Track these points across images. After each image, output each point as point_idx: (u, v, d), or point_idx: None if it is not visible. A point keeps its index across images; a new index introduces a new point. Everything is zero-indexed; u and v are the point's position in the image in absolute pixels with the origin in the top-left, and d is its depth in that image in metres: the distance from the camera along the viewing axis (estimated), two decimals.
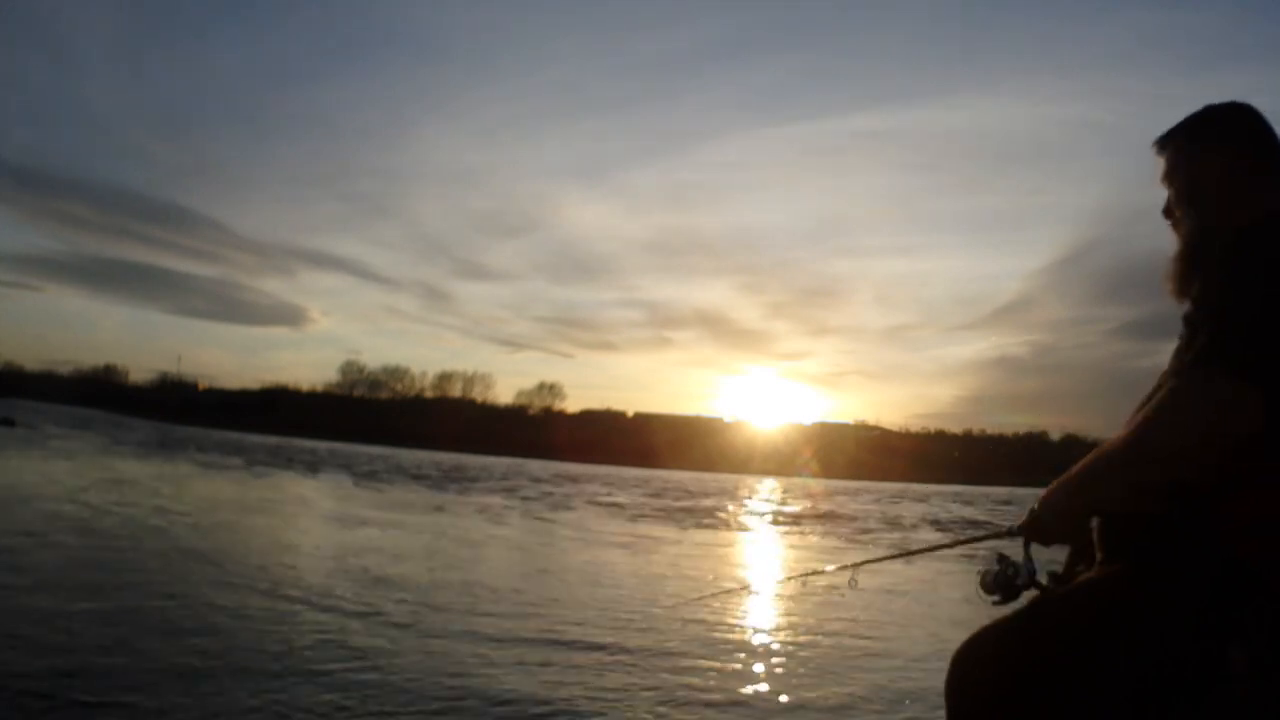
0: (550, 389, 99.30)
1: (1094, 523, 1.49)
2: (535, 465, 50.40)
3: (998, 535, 1.67)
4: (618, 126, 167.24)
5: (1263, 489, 1.27)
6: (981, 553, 1.79)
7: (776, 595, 8.64)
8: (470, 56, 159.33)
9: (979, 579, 1.62)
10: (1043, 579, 1.56)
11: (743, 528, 19.72)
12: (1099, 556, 1.47)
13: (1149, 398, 1.44)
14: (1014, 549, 1.62)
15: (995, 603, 1.59)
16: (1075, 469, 1.43)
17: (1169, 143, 1.55)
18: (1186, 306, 1.41)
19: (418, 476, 29.85)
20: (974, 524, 21.55)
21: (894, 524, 22.31)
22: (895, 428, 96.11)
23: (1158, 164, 1.57)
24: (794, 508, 27.71)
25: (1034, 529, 1.51)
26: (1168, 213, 1.55)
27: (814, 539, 17.54)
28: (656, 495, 29.30)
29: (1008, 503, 34.66)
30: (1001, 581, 1.59)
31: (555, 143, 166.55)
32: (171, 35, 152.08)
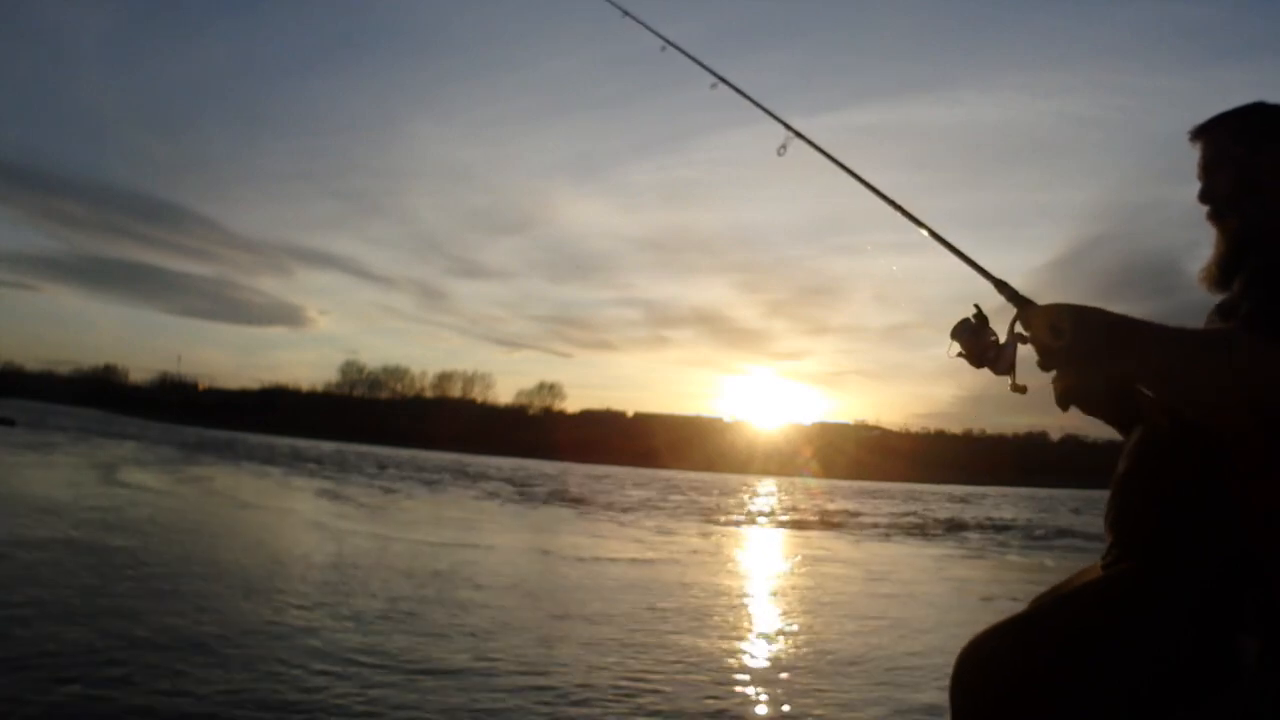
0: (550, 389, 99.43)
1: (1106, 520, 1.48)
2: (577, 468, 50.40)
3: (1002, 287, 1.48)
4: (614, 122, 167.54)
5: (1273, 480, 1.26)
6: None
7: None
8: (465, 52, 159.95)
9: (955, 327, 1.45)
10: (1016, 379, 1.40)
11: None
12: (1106, 557, 1.46)
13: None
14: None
15: (956, 354, 1.45)
16: (1132, 317, 1.29)
17: (1218, 129, 1.48)
18: (1221, 298, 1.37)
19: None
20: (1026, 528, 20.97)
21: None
22: (895, 428, 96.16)
23: (1199, 150, 1.50)
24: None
25: (1031, 311, 1.39)
26: (1209, 199, 1.48)
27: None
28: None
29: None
30: (969, 335, 1.44)
31: (551, 139, 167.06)
32: (166, 33, 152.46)
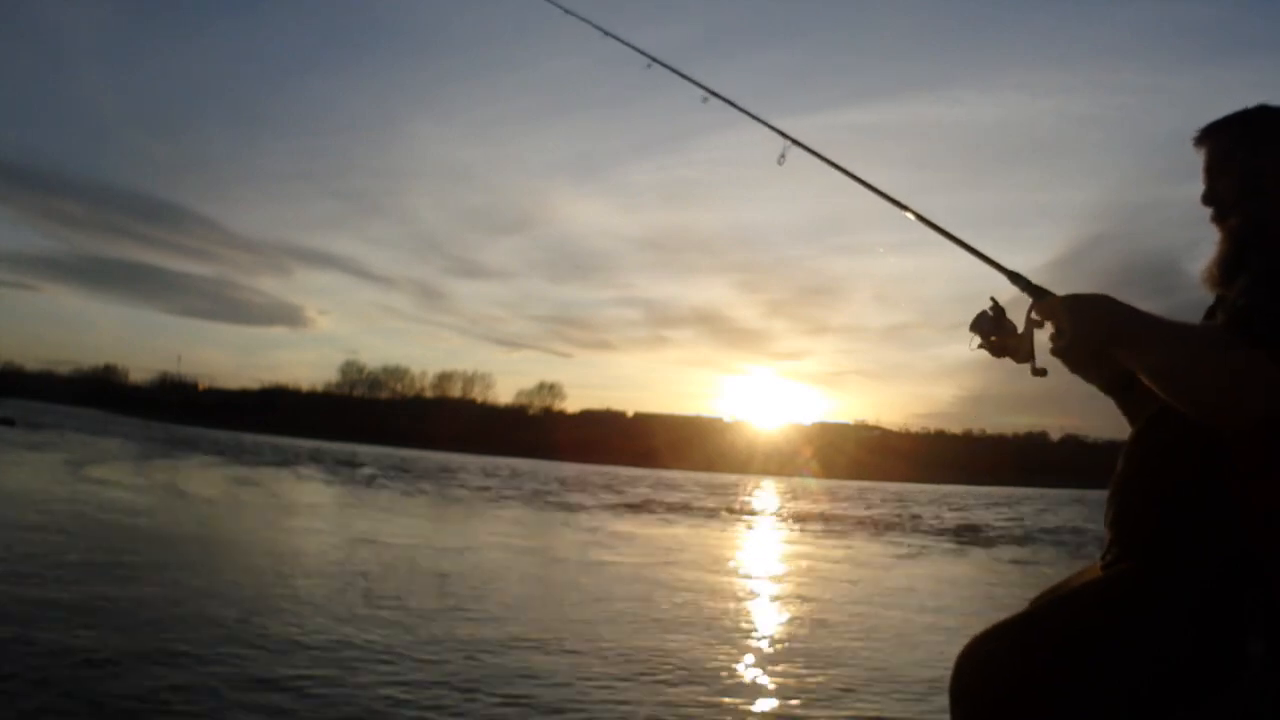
0: (550, 389, 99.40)
1: (1106, 520, 1.47)
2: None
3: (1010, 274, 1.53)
4: (614, 122, 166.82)
5: (1273, 480, 1.26)
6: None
7: None
8: (465, 52, 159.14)
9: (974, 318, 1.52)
10: (1036, 364, 1.45)
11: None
12: (1106, 556, 1.46)
13: None
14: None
15: (977, 346, 1.52)
16: (1138, 311, 1.31)
17: (1222, 133, 1.49)
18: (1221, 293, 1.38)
19: None
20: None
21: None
22: (895, 428, 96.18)
23: (1203, 154, 1.51)
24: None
25: (1048, 305, 1.42)
26: (1212, 201, 1.49)
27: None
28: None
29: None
30: (988, 326, 1.51)
31: (551, 139, 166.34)
32: (166, 33, 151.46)
